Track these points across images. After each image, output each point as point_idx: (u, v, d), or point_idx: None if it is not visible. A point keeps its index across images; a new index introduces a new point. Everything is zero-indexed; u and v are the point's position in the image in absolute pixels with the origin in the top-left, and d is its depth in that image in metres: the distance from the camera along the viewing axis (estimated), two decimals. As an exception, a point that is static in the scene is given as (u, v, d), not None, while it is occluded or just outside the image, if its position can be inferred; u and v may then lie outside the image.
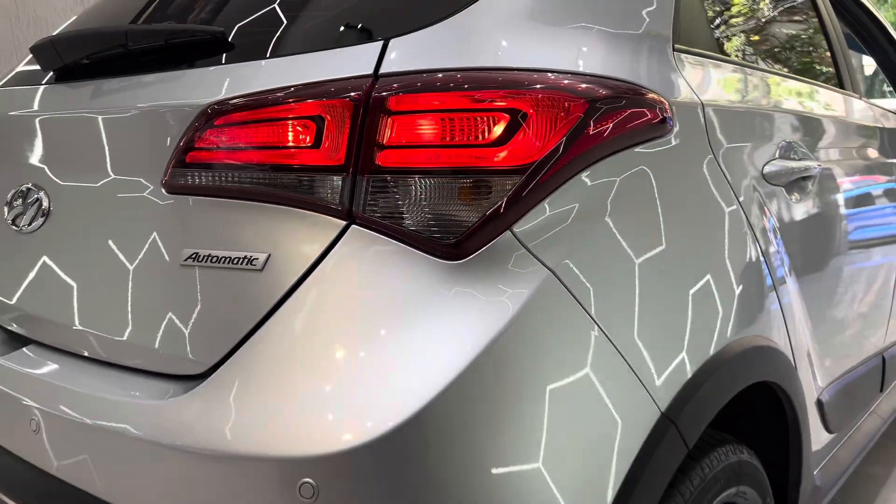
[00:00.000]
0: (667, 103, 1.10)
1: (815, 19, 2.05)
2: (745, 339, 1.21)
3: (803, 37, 2.05)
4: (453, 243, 0.90)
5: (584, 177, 0.97)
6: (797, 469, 1.47)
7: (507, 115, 0.92)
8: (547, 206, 0.94)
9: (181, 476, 0.93)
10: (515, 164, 0.92)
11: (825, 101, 1.82)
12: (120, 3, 1.53)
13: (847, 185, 1.79)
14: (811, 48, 2.07)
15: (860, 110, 2.05)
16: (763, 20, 1.85)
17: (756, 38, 1.79)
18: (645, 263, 1.04)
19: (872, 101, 2.32)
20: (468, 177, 0.92)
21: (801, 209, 1.52)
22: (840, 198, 1.74)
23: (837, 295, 1.72)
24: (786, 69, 1.83)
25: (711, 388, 1.09)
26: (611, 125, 0.99)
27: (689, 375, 1.07)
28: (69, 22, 1.61)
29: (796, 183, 1.49)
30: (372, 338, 0.89)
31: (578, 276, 0.95)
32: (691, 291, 1.12)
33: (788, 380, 1.36)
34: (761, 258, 1.31)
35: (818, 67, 2.06)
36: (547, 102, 0.94)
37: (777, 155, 1.43)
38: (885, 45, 2.67)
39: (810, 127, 1.65)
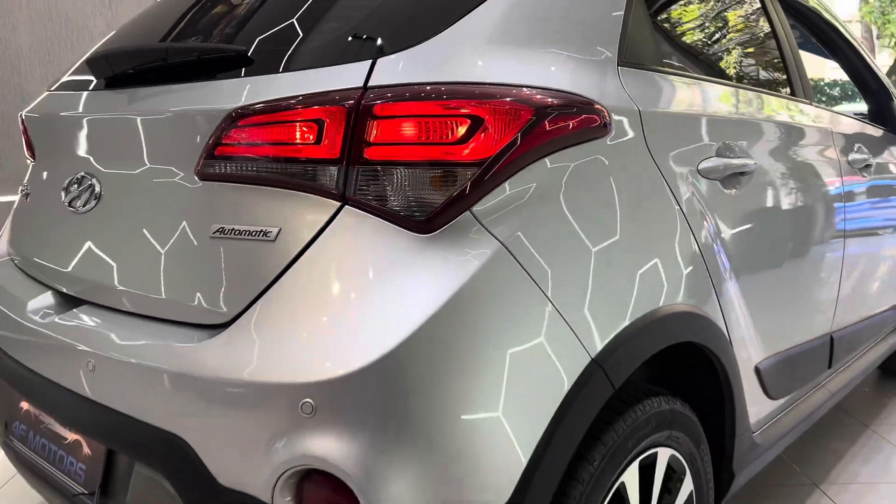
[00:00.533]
0: (606, 111, 1.32)
1: (766, 28, 2.17)
2: (675, 306, 1.41)
3: (749, 46, 2.18)
4: (425, 220, 1.12)
5: (533, 169, 1.19)
6: (731, 423, 1.67)
7: (468, 120, 1.14)
8: (500, 191, 1.15)
9: (208, 401, 1.15)
10: (475, 159, 1.13)
11: (766, 106, 1.96)
12: (151, 21, 1.76)
13: (786, 182, 1.93)
14: (757, 57, 2.20)
15: (806, 114, 2.18)
16: (708, 32, 2.01)
17: (700, 49, 1.95)
18: (583, 237, 1.25)
19: (830, 107, 2.47)
20: (438, 168, 1.13)
21: (737, 202, 1.69)
22: (778, 194, 1.88)
23: (773, 276, 1.88)
24: (726, 77, 1.98)
25: (638, 341, 1.30)
26: (554, 128, 1.21)
27: (619, 330, 1.27)
28: (108, 37, 1.83)
29: (732, 178, 1.67)
30: (359, 292, 1.11)
31: (525, 245, 1.16)
32: (626, 262, 1.33)
33: (717, 344, 1.55)
34: (693, 239, 1.50)
35: (763, 74, 2.20)
36: (501, 110, 1.16)
37: (714, 153, 1.62)
38: (846, 50, 2.83)
39: (747, 129, 1.81)
